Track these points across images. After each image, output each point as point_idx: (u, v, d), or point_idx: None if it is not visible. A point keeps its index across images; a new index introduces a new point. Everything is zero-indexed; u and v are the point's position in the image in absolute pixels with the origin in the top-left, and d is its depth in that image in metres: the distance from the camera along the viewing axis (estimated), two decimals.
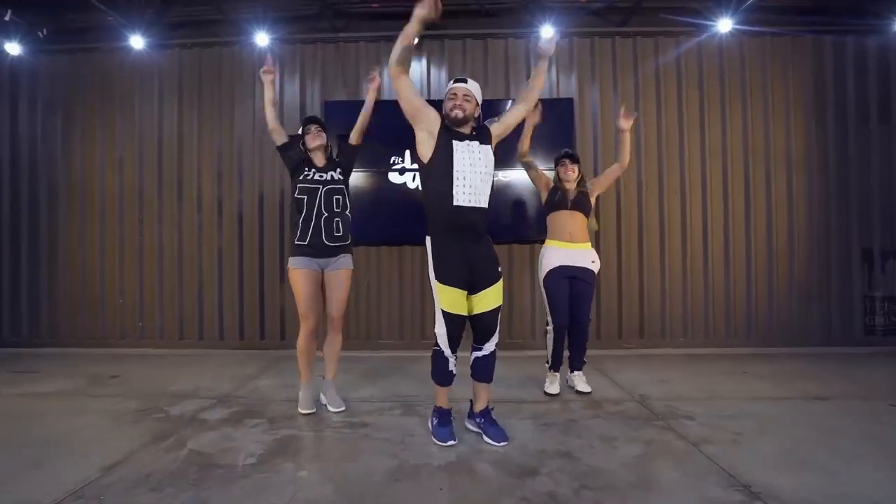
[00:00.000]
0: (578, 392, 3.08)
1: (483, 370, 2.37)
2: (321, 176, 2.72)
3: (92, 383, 3.37)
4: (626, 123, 3.05)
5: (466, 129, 2.32)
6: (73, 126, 4.63)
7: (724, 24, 4.33)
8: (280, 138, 2.80)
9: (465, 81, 2.35)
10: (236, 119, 4.58)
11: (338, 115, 4.40)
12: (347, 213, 2.79)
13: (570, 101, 4.44)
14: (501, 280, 2.36)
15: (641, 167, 4.50)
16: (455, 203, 2.23)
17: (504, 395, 2.95)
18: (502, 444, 2.26)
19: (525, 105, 2.51)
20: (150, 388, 3.22)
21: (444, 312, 2.27)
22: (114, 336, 4.54)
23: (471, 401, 2.47)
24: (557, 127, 4.33)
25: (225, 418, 2.66)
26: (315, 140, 2.75)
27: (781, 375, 3.48)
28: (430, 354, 2.39)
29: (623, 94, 4.52)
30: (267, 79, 2.79)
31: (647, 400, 2.96)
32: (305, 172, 2.72)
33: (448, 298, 2.25)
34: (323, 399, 2.85)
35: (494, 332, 2.35)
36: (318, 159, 2.78)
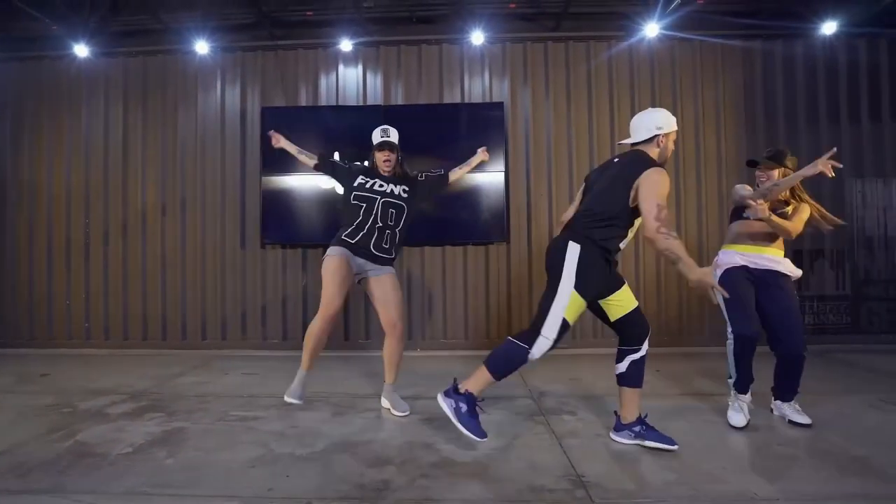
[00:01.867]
0: (792, 422, 2.55)
1: (638, 373, 2.29)
2: (381, 187, 2.72)
3: (20, 381, 3.50)
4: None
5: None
6: (22, 131, 4.77)
7: (651, 29, 4.44)
8: (311, 161, 2.88)
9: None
10: (179, 124, 4.72)
11: (275, 121, 4.54)
12: (399, 230, 2.73)
13: (500, 104, 4.54)
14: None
15: (573, 171, 4.60)
16: (622, 247, 2.28)
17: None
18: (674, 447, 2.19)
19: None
20: (73, 386, 3.35)
21: (565, 322, 2.12)
22: (61, 336, 4.68)
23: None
24: (489, 130, 4.45)
25: (127, 412, 2.79)
26: (386, 165, 2.76)
27: (689, 374, 3.58)
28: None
29: (555, 98, 4.63)
30: (278, 143, 2.95)
31: (544, 397, 3.06)
32: (364, 181, 2.73)
33: (578, 309, 2.16)
34: (385, 403, 2.81)
35: (645, 332, 2.29)
36: (384, 170, 2.78)
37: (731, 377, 2.58)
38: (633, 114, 4.57)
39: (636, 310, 2.28)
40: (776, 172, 2.62)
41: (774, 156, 2.66)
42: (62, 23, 4.44)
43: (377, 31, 4.60)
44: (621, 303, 2.26)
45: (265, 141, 4.47)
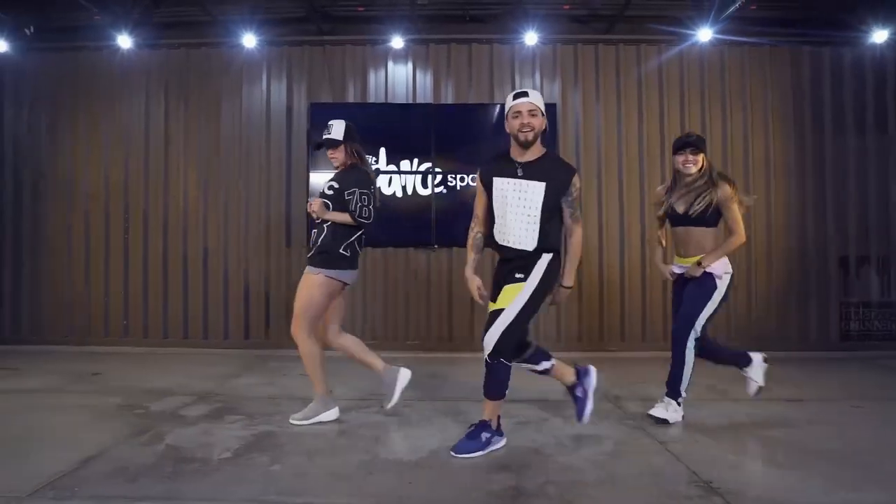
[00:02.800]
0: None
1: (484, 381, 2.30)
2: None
3: (73, 380, 3.38)
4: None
5: (526, 157, 2.19)
6: (60, 124, 4.63)
7: (705, 34, 4.43)
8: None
9: (527, 94, 2.18)
10: (223, 119, 4.61)
11: (324, 117, 4.44)
12: (325, 225, 2.58)
13: (552, 106, 4.50)
14: (519, 286, 2.18)
15: (623, 176, 4.58)
16: (499, 242, 2.24)
17: None
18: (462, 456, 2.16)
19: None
20: (132, 386, 3.24)
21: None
22: (98, 334, 4.54)
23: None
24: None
25: (205, 414, 2.69)
26: (334, 161, 2.67)
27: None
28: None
29: (605, 101, 4.61)
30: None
31: (621, 401, 3.02)
32: None
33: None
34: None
35: (490, 335, 2.20)
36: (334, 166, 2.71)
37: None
38: (682, 118, 4.67)
39: (493, 311, 2.21)
40: (700, 158, 2.58)
41: (700, 142, 2.61)
42: (105, 12, 4.32)
43: (427, 28, 4.55)
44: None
45: (312, 137, 4.44)
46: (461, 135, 4.49)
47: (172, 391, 3.12)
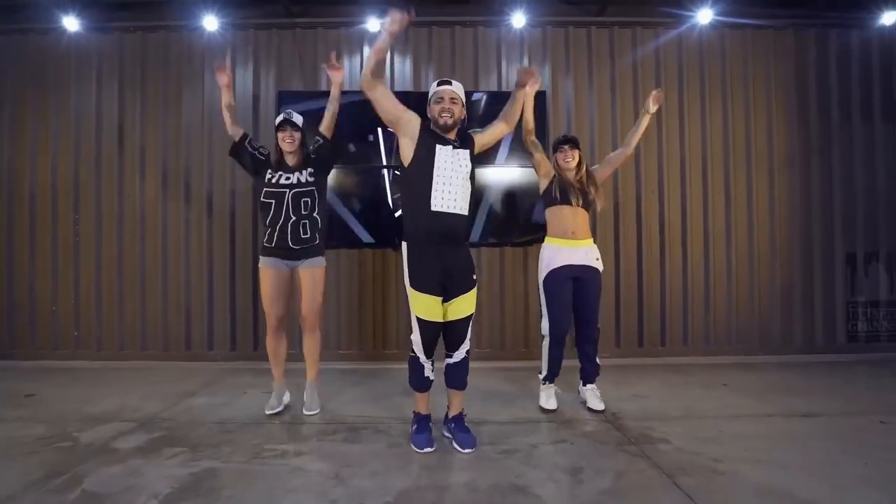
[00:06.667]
0: (590, 409, 2.81)
1: (455, 377, 2.36)
2: (288, 179, 2.68)
3: (2, 404, 2.98)
4: (654, 106, 2.89)
5: (451, 135, 2.30)
6: (2, 113, 4.20)
7: (705, 15, 4.12)
8: (233, 132, 2.78)
9: (450, 83, 2.32)
10: (184, 108, 4.20)
11: (293, 106, 4.08)
12: (316, 214, 2.72)
13: (542, 93, 4.14)
14: (475, 288, 2.34)
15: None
16: (433, 208, 2.21)
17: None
18: (468, 450, 2.25)
19: (506, 123, 2.47)
20: (67, 409, 2.85)
21: (418, 319, 2.26)
22: (46, 347, 4.13)
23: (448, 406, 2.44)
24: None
25: (140, 447, 2.32)
26: (289, 145, 2.67)
27: (763, 388, 3.26)
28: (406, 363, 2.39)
29: (598, 87, 4.28)
30: (223, 81, 2.72)
31: (620, 419, 2.70)
32: (270, 176, 2.69)
33: (422, 305, 2.24)
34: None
35: (465, 339, 2.34)
36: (290, 159, 2.72)
37: (541, 373, 2.85)
38: (680, 104, 4.33)
39: (464, 319, 2.31)
40: (577, 153, 2.83)
41: (575, 140, 2.87)
42: None
43: (407, 9, 4.16)
44: (455, 310, 2.29)
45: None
46: None
47: (113, 416, 2.74)
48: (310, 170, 2.72)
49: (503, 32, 4.25)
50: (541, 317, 2.83)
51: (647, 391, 3.21)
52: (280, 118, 2.73)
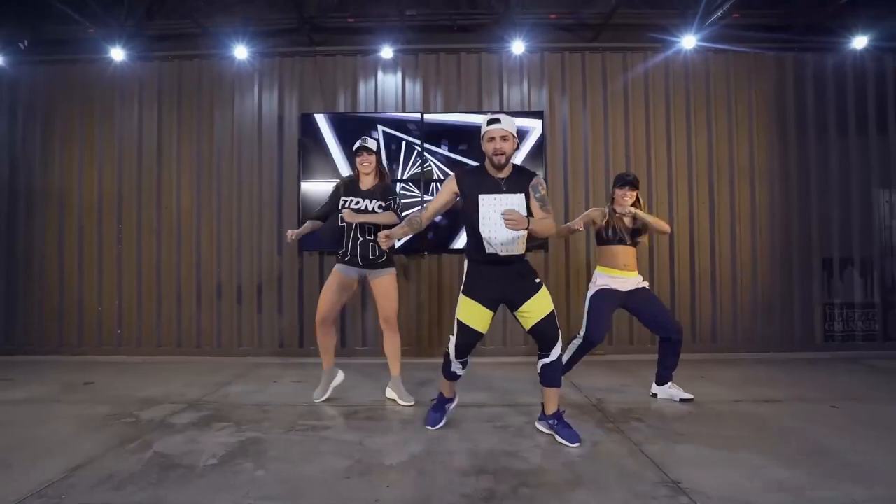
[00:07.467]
0: (682, 401, 3.09)
1: (549, 377, 2.46)
2: (357, 204, 2.98)
3: (65, 390, 3.43)
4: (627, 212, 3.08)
5: (504, 172, 2.41)
6: (53, 135, 4.71)
7: (689, 41, 4.51)
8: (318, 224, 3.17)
9: (499, 121, 2.37)
10: (215, 129, 4.68)
11: (315, 127, 4.55)
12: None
13: (540, 113, 4.59)
14: (544, 288, 2.45)
15: (610, 181, 4.61)
16: (487, 251, 2.38)
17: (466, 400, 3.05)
18: (576, 444, 2.37)
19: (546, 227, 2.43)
20: (123, 395, 3.29)
21: (458, 322, 2.45)
22: (91, 344, 4.60)
23: (542, 404, 2.57)
24: (528, 139, 4.50)
25: (193, 422, 2.74)
26: (365, 167, 3.01)
27: (738, 380, 3.61)
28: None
29: (592, 108, 4.69)
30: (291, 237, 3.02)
31: (604, 404, 3.08)
32: (343, 202, 3.00)
33: (468, 310, 2.43)
34: (390, 393, 3.16)
35: (556, 338, 2.42)
36: (366, 182, 3.04)
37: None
38: (668, 124, 4.73)
39: (544, 319, 2.40)
40: (636, 194, 3.10)
41: (635, 181, 3.10)
42: (98, 25, 4.40)
43: (417, 38, 4.62)
44: (529, 314, 2.41)
45: (303, 146, 4.52)
46: (452, 143, 4.56)
47: (163, 400, 3.18)
48: (380, 203, 2.98)
49: (504, 58, 4.68)
50: (581, 327, 3.12)
51: (632, 382, 3.58)
52: (357, 145, 3.01)
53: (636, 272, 3.13)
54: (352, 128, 4.48)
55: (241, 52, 4.55)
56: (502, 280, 2.40)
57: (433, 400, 2.76)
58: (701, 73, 4.74)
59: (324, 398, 3.12)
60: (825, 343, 4.62)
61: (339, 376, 3.22)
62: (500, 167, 2.38)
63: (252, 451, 2.33)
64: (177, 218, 4.65)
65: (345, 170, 4.46)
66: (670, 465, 2.14)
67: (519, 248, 2.38)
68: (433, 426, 2.62)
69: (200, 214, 4.65)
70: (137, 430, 2.62)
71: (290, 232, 3.01)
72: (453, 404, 2.74)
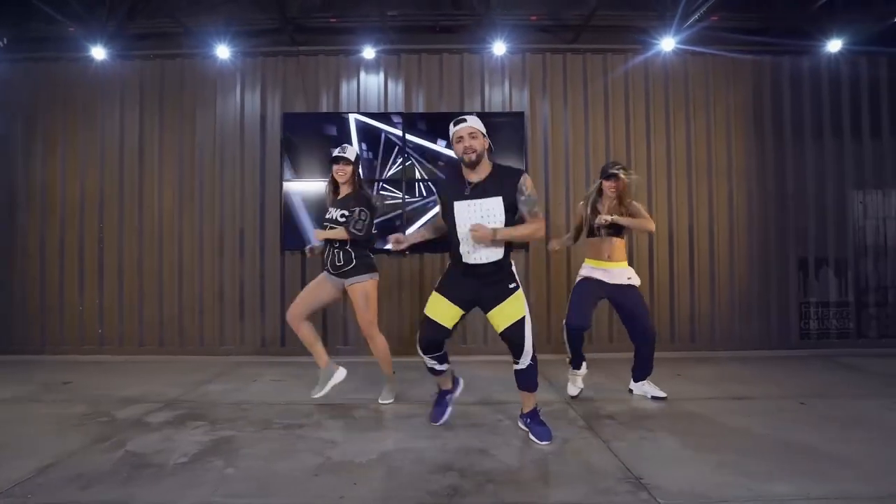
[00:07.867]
0: (654, 398, 3.16)
1: (522, 382, 2.50)
2: (330, 214, 3.02)
3: (43, 390, 3.43)
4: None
5: (477, 175, 2.37)
6: (34, 134, 4.68)
7: (668, 44, 4.56)
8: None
9: (465, 120, 2.36)
10: (197, 129, 4.68)
11: (296, 126, 4.57)
12: (348, 247, 2.96)
13: (521, 114, 4.63)
14: (518, 293, 2.42)
15: (590, 181, 4.67)
16: (463, 259, 2.40)
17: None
18: (545, 442, 2.41)
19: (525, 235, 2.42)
20: (100, 394, 3.30)
21: (425, 316, 2.49)
22: (73, 343, 4.59)
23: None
24: (510, 139, 4.54)
25: (169, 421, 2.76)
26: (340, 177, 3.02)
27: (713, 378, 3.68)
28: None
29: (573, 108, 4.73)
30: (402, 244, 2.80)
31: (577, 402, 3.12)
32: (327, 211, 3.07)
33: (435, 304, 2.47)
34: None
35: (524, 347, 2.38)
36: (341, 191, 3.06)
37: (569, 360, 3.20)
38: (648, 124, 4.79)
39: (512, 325, 2.38)
40: (623, 183, 3.10)
41: (622, 170, 3.11)
42: (79, 24, 4.38)
43: (399, 39, 4.64)
44: (496, 319, 2.42)
45: (285, 146, 4.53)
46: (434, 143, 4.59)
47: (141, 399, 3.19)
48: (343, 212, 2.95)
49: (486, 59, 4.71)
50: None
51: (607, 381, 3.63)
52: (335, 153, 3.00)
53: (624, 263, 3.14)
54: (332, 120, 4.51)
55: (223, 51, 4.54)
56: (476, 283, 2.42)
57: (433, 396, 2.82)
58: (680, 75, 4.79)
59: (321, 394, 3.04)
60: (801, 341, 4.70)
61: (340, 374, 3.10)
62: (471, 165, 2.35)
63: (224, 449, 2.36)
64: (159, 217, 4.65)
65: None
66: (635, 462, 2.19)
67: (495, 255, 2.37)
68: (436, 422, 2.66)
69: (182, 213, 4.65)
70: (112, 429, 2.64)
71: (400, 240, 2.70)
72: (456, 393, 2.77)
